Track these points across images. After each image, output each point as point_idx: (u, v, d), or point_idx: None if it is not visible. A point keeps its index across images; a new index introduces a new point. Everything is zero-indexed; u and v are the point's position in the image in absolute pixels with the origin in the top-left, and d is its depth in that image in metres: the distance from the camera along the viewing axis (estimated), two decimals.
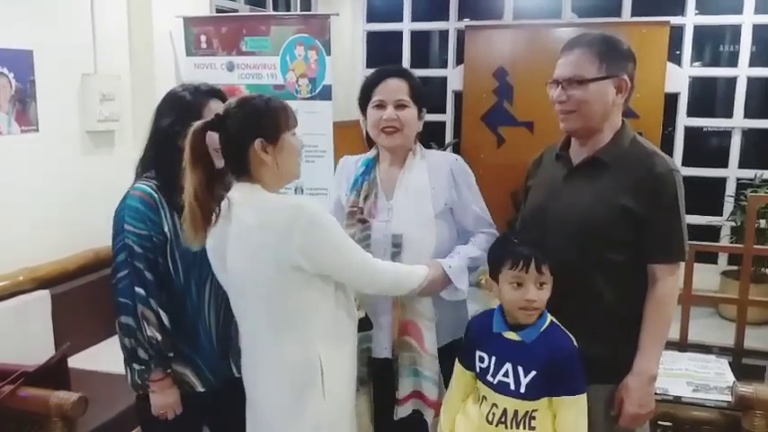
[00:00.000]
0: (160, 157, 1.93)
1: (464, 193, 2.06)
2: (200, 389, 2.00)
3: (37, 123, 3.12)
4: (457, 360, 1.91)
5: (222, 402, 2.00)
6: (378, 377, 2.09)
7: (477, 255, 2.03)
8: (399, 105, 2.01)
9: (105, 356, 2.95)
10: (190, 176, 1.64)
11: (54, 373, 2.41)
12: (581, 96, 1.78)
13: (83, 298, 3.09)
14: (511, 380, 1.75)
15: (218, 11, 4.46)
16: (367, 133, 2.11)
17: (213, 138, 1.74)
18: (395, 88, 2.02)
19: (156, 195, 1.90)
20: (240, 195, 1.68)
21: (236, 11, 4.76)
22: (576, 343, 1.75)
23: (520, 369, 1.74)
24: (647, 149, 1.83)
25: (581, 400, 1.74)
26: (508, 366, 1.76)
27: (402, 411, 2.06)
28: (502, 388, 1.76)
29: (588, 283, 1.79)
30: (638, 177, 1.77)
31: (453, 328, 2.07)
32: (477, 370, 1.84)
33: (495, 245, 1.90)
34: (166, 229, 1.90)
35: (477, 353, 1.83)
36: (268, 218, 1.63)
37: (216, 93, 2.00)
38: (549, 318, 1.78)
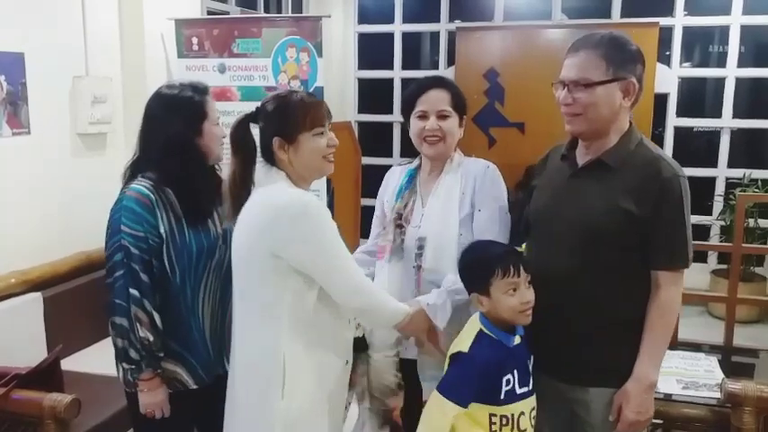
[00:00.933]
0: (169, 160, 1.93)
1: (479, 198, 2.06)
2: (193, 386, 2.01)
3: (29, 126, 3.11)
4: (461, 413, 1.72)
5: (215, 400, 2.01)
6: (406, 379, 2.10)
7: (461, 287, 1.93)
8: (441, 116, 2.06)
9: (98, 358, 2.95)
10: (231, 162, 1.79)
11: (47, 376, 2.41)
12: (587, 99, 1.75)
13: (75, 300, 3.09)
14: (530, 378, 1.78)
15: (210, 13, 4.46)
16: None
17: (216, 107, 1.95)
18: (437, 99, 2.07)
19: (152, 196, 1.90)
20: (262, 177, 1.78)
21: (228, 13, 4.77)
22: None
23: (528, 363, 1.80)
24: (652, 153, 1.79)
25: None
26: (522, 370, 1.78)
27: None
28: (528, 393, 1.77)
29: (590, 286, 1.78)
30: (643, 182, 1.74)
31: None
32: (503, 397, 1.73)
33: (472, 264, 1.82)
34: (162, 230, 1.91)
35: (504, 379, 1.73)
36: (268, 201, 1.70)
37: (207, 89, 2.07)
38: None
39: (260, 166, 1.79)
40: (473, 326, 1.80)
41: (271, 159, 1.76)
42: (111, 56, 3.63)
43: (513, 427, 1.73)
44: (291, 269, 1.66)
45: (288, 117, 1.74)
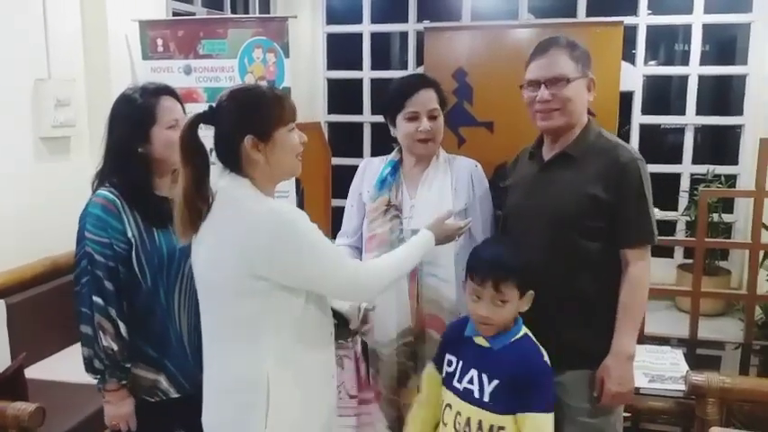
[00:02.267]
0: (121, 167, 1.91)
1: (478, 198, 2.15)
2: (174, 395, 1.97)
3: None
4: (429, 362, 1.92)
5: (195, 408, 1.98)
6: None
7: None
8: (431, 116, 2.10)
9: (63, 366, 2.91)
10: (182, 173, 1.59)
11: (10, 384, 2.37)
12: (566, 94, 1.89)
13: (40, 307, 3.04)
14: (476, 387, 1.76)
15: (175, 14, 4.41)
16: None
17: (174, 109, 1.83)
18: (427, 99, 2.11)
19: (118, 201, 1.87)
20: (225, 186, 1.61)
21: (194, 14, 4.72)
22: (547, 359, 1.76)
23: (484, 376, 1.74)
24: (611, 142, 1.95)
25: (545, 420, 1.70)
26: (473, 373, 1.77)
27: None
28: (467, 395, 1.77)
29: (564, 272, 1.87)
30: (605, 168, 1.88)
31: None
32: (444, 374, 1.84)
33: (474, 249, 1.89)
34: (130, 235, 1.87)
35: (447, 356, 1.84)
36: (240, 218, 1.55)
37: (165, 90, 1.97)
38: (524, 330, 1.79)
39: (217, 173, 1.63)
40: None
41: (235, 164, 1.60)
42: (74, 58, 3.57)
43: (452, 415, 1.78)
44: (275, 288, 1.55)
45: (261, 111, 1.58)
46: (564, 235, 1.89)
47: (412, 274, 2.04)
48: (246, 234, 1.53)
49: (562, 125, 1.93)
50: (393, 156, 2.24)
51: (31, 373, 2.63)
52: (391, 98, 2.15)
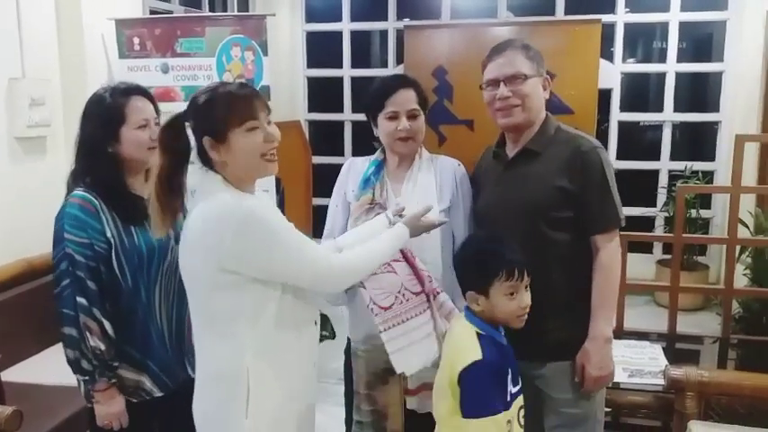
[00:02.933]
0: (93, 167, 1.90)
1: (461, 196, 2.16)
2: (158, 394, 1.97)
3: None
4: (488, 419, 1.62)
5: (178, 404, 1.96)
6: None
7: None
8: (411, 115, 2.11)
9: (41, 369, 2.87)
10: (157, 167, 1.62)
11: None
12: (524, 90, 1.96)
13: (16, 309, 2.99)
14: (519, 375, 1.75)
15: (153, 12, 4.37)
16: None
17: (144, 109, 1.87)
18: (406, 99, 2.12)
19: (95, 201, 1.86)
20: (199, 182, 1.63)
21: (172, 12, 4.68)
22: None
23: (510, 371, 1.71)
24: (571, 133, 2.02)
25: None
26: (516, 365, 1.75)
27: (412, 403, 2.13)
28: (520, 391, 1.73)
29: (537, 266, 1.82)
30: (567, 159, 1.94)
31: None
32: (508, 398, 1.68)
33: (474, 261, 1.75)
34: (109, 235, 1.86)
35: (508, 379, 1.69)
36: (208, 214, 1.56)
37: (136, 90, 1.97)
38: None
39: (195, 170, 1.65)
40: (467, 330, 1.70)
41: (207, 162, 1.62)
42: (50, 57, 3.52)
43: (517, 417, 1.70)
44: (248, 281, 1.55)
45: (215, 113, 1.58)
46: (534, 228, 1.93)
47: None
48: (212, 229, 1.54)
49: (522, 121, 1.98)
50: (377, 155, 2.26)
51: (8, 376, 2.59)
52: (372, 98, 2.18)
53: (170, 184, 1.62)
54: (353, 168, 2.28)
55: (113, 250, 1.87)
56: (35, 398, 2.56)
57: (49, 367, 2.75)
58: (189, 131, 1.62)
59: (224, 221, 1.53)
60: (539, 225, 1.93)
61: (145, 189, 1.97)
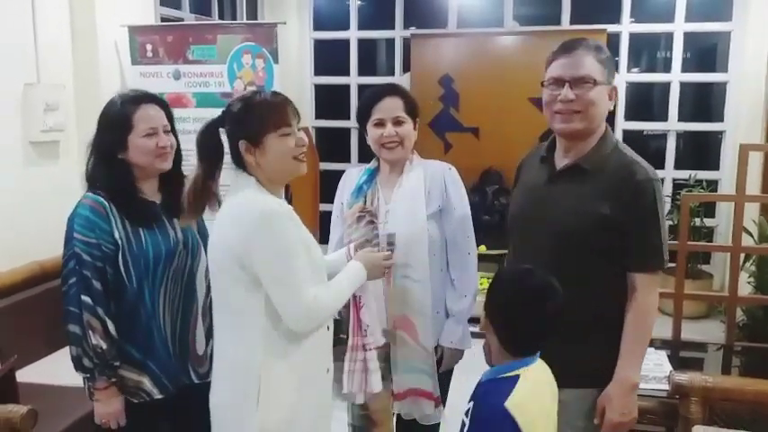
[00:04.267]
0: (104, 172, 1.95)
1: (452, 199, 2.20)
2: (158, 396, 1.99)
3: None
4: None
5: (180, 409, 2.00)
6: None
7: (468, 307, 2.20)
8: (397, 122, 2.16)
9: (53, 369, 2.90)
10: (196, 168, 1.76)
11: (1, 387, 2.36)
12: (590, 97, 1.78)
13: (29, 311, 3.03)
14: None
15: (164, 20, 4.43)
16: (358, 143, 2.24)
17: (154, 117, 1.95)
18: (392, 107, 2.17)
19: (106, 203, 1.91)
20: (232, 183, 1.75)
21: (182, 20, 4.74)
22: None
23: None
24: (627, 157, 1.83)
25: None
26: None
27: (399, 407, 2.19)
28: None
29: (568, 289, 1.70)
30: (618, 185, 1.78)
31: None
32: None
33: (526, 312, 1.60)
34: (117, 237, 1.90)
35: None
36: (236, 212, 1.67)
37: (146, 97, 2.01)
38: (517, 372, 1.61)
39: (230, 172, 1.76)
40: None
41: (240, 164, 1.73)
42: (64, 63, 3.57)
43: None
44: (255, 278, 1.65)
45: (251, 119, 1.71)
46: (568, 252, 1.80)
47: (387, 277, 2.10)
48: (238, 225, 1.65)
49: (581, 129, 1.82)
50: (371, 164, 2.31)
51: (21, 376, 2.62)
52: (360, 107, 2.25)
53: (204, 185, 1.75)
54: (348, 178, 2.33)
55: (120, 252, 1.91)
56: (48, 398, 2.59)
57: (61, 368, 2.77)
58: (223, 137, 1.75)
59: (248, 216, 1.64)
60: (573, 248, 1.80)
61: (157, 194, 2.03)
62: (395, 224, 2.14)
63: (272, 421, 1.66)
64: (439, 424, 2.26)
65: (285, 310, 1.66)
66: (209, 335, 2.07)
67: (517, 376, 1.58)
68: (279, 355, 1.68)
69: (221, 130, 1.76)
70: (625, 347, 1.80)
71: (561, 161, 1.91)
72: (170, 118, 2.05)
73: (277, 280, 1.65)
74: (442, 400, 2.22)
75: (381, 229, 2.14)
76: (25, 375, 2.77)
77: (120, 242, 1.91)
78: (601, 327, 1.83)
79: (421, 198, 2.16)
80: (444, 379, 2.24)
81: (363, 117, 2.22)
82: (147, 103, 1.99)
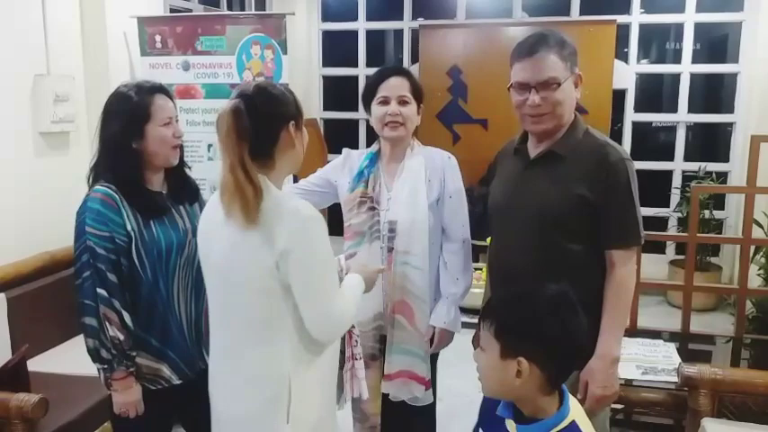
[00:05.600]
0: (115, 163, 1.94)
1: (448, 187, 2.21)
2: (177, 381, 2.02)
3: None
4: None
5: (195, 394, 2.01)
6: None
7: (461, 291, 2.24)
8: (402, 101, 2.17)
9: (64, 359, 2.93)
10: (229, 156, 1.55)
11: (13, 376, 2.40)
12: (557, 98, 1.84)
13: (39, 301, 3.05)
14: None
15: (172, 10, 4.43)
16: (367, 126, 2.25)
17: (168, 107, 1.92)
18: (397, 85, 2.18)
19: (116, 196, 1.91)
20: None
21: (191, 10, 4.74)
22: None
23: None
24: (598, 140, 1.89)
25: None
26: None
27: (388, 387, 2.21)
28: None
29: (548, 272, 1.72)
30: (592, 167, 1.83)
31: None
32: None
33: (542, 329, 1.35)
34: (129, 228, 1.91)
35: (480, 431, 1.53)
36: (269, 215, 1.55)
37: (159, 89, 2.02)
38: (569, 418, 1.34)
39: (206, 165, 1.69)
40: None
41: (268, 152, 1.60)
42: (73, 54, 3.58)
43: None
44: (286, 284, 1.56)
45: (295, 102, 1.69)
46: (549, 235, 1.85)
47: (388, 262, 2.15)
48: (267, 232, 1.53)
49: (551, 128, 1.89)
50: (372, 148, 2.32)
51: (32, 365, 2.64)
52: (366, 86, 2.26)
53: (247, 173, 1.55)
54: (349, 159, 2.33)
55: (133, 243, 1.92)
56: (59, 387, 2.61)
57: (72, 357, 2.81)
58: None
59: (280, 220, 1.53)
60: (554, 231, 1.85)
61: (163, 184, 2.04)
62: (396, 211, 2.16)
63: (303, 431, 1.63)
64: (430, 406, 2.28)
65: (316, 321, 1.60)
66: None
67: (573, 423, 1.34)
68: (306, 364, 1.63)
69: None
70: (605, 322, 1.83)
71: (534, 150, 1.96)
72: (175, 109, 2.08)
73: (314, 290, 1.58)
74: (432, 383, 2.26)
75: (383, 216, 2.17)
76: (36, 364, 2.80)
77: (132, 234, 1.91)
78: (584, 310, 1.81)
79: (422, 186, 2.17)
80: (432, 363, 2.27)
81: (369, 96, 2.22)
82: (159, 93, 2.00)
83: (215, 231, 1.65)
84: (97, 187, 1.93)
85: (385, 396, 2.25)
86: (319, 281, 1.59)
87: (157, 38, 3.73)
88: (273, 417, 1.60)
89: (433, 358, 2.29)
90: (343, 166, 2.33)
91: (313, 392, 1.66)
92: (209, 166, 3.54)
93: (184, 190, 2.09)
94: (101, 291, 1.87)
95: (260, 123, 1.58)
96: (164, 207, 2.00)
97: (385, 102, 2.18)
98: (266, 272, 1.55)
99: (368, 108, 2.25)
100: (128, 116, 1.94)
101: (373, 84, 2.21)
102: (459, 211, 2.23)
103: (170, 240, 1.97)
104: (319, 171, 2.41)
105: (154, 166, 2.01)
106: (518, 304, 1.38)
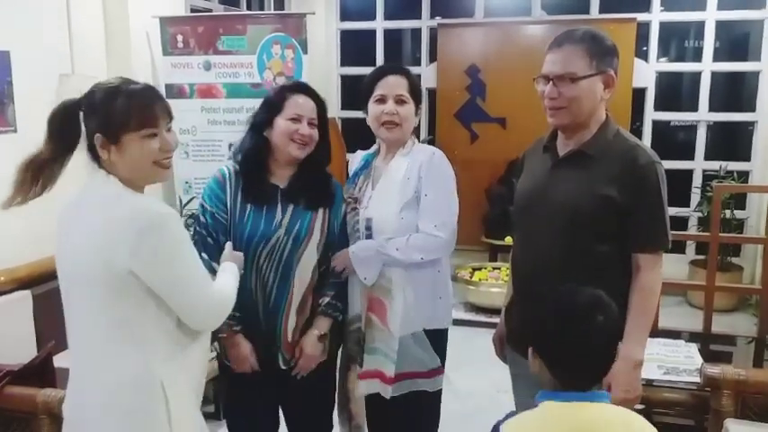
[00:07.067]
0: (246, 146, 2.11)
1: (425, 184, 2.12)
2: (256, 367, 2.09)
3: (15, 124, 3.12)
4: None
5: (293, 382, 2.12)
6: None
7: (394, 255, 2.07)
8: (399, 100, 2.14)
9: None
10: (42, 147, 1.59)
11: (39, 372, 2.42)
12: (572, 93, 1.82)
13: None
14: None
15: (193, 10, 4.46)
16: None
17: (299, 104, 2.05)
18: (395, 84, 2.15)
19: (227, 173, 2.09)
20: (92, 183, 1.57)
21: (211, 10, 4.77)
22: None
23: None
24: (629, 142, 1.87)
25: None
26: None
27: (362, 386, 2.17)
28: None
29: (572, 272, 1.75)
30: (622, 169, 1.81)
31: (427, 318, 2.16)
32: None
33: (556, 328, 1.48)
34: (229, 206, 2.06)
35: None
36: (111, 214, 1.48)
37: (299, 87, 2.15)
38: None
39: (93, 171, 1.58)
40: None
41: (95, 157, 1.55)
42: (97, 54, 3.63)
43: None
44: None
45: (111, 114, 1.51)
46: (575, 236, 1.83)
47: None
48: (117, 233, 1.46)
49: (567, 123, 1.87)
50: (371, 149, 2.31)
51: (58, 361, 2.67)
52: (363, 85, 2.22)
53: (47, 167, 1.58)
54: (353, 162, 2.36)
55: (230, 221, 2.06)
56: None
57: None
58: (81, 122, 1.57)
59: (129, 221, 1.47)
60: (580, 232, 1.83)
61: (285, 180, 2.11)
62: (373, 209, 2.15)
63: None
64: (415, 403, 2.18)
65: (194, 311, 1.56)
66: (305, 327, 2.12)
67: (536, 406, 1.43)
68: (176, 364, 1.55)
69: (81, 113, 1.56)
70: (630, 325, 1.80)
71: (564, 149, 1.93)
72: (322, 115, 2.13)
73: (182, 283, 1.52)
74: (441, 362, 2.19)
75: (362, 215, 2.15)
76: (62, 360, 2.83)
77: (230, 211, 2.05)
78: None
79: (397, 183, 2.13)
80: (440, 341, 2.20)
81: (366, 94, 2.19)
82: (300, 93, 2.11)
83: (71, 228, 1.58)
84: (222, 166, 2.12)
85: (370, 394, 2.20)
86: (188, 273, 1.53)
87: (179, 38, 3.77)
88: (154, 422, 1.51)
89: (441, 353, 2.20)
90: (350, 169, 2.36)
91: (188, 391, 1.60)
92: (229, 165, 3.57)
93: (312, 193, 2.11)
94: (203, 254, 1.95)
95: (85, 128, 1.57)
96: (266, 198, 2.08)
97: (382, 100, 2.14)
98: (117, 274, 1.46)
99: (365, 107, 2.21)
100: (266, 106, 2.11)
101: (370, 81, 2.18)
102: (436, 210, 2.11)
103: (255, 229, 2.04)
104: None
105: (279, 160, 2.11)
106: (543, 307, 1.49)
